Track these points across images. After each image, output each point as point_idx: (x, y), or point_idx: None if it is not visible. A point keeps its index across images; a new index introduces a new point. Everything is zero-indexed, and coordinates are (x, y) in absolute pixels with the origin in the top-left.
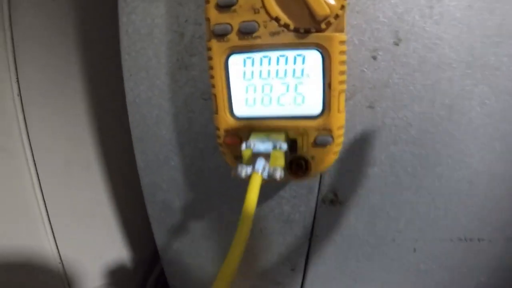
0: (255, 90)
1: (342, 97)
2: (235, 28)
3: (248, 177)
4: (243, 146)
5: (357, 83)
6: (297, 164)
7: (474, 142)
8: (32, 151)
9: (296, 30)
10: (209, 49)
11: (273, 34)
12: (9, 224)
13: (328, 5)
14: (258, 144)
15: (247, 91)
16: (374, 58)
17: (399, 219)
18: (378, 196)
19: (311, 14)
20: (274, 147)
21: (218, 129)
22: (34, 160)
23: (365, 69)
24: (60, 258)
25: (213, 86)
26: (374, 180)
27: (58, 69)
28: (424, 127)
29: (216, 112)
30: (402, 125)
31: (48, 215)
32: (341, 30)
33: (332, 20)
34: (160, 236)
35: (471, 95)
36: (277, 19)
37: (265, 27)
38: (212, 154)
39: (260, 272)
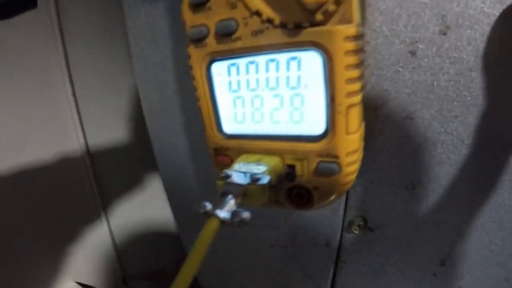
0: (243, 104)
1: (354, 114)
2: (212, 29)
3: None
4: (222, 173)
5: (390, 87)
6: (296, 194)
7: None
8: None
9: (283, 25)
10: (189, 56)
11: (256, 33)
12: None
13: None
14: (236, 174)
15: (235, 105)
16: (413, 53)
17: (443, 250)
18: (416, 221)
19: (299, 2)
20: (253, 181)
21: (208, 146)
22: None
23: (400, 69)
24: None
25: (197, 99)
26: (411, 203)
27: None
28: (482, 144)
29: (204, 130)
30: (451, 141)
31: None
32: (348, 21)
33: (331, 7)
34: (186, 239)
35: None
36: (258, 13)
37: (246, 25)
38: None
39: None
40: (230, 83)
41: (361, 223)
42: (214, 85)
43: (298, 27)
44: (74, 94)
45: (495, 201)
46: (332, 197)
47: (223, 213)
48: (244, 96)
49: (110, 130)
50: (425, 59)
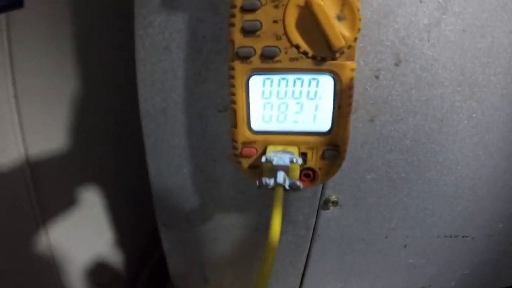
0: (272, 108)
1: (349, 117)
2: (258, 51)
3: (272, 188)
4: (263, 159)
5: (360, 100)
6: (305, 174)
7: (460, 150)
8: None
9: (313, 58)
10: (232, 68)
11: (293, 59)
12: None
13: (344, 37)
14: (277, 158)
15: (264, 109)
16: (377, 77)
17: (392, 219)
18: (374, 198)
19: (328, 44)
20: (291, 161)
21: (235, 141)
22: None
23: (368, 87)
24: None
25: (234, 102)
26: (371, 184)
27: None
28: (417, 138)
29: (235, 126)
30: (398, 136)
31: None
32: (352, 59)
33: (345, 50)
34: (168, 241)
35: (460, 110)
36: (297, 47)
37: (286, 52)
38: (224, 164)
39: None
40: (263, 92)
41: (335, 200)
42: (249, 92)
43: (323, 59)
44: (16, 96)
45: (429, 175)
46: (331, 175)
47: (285, 182)
48: (273, 102)
49: (52, 138)
50: (384, 81)
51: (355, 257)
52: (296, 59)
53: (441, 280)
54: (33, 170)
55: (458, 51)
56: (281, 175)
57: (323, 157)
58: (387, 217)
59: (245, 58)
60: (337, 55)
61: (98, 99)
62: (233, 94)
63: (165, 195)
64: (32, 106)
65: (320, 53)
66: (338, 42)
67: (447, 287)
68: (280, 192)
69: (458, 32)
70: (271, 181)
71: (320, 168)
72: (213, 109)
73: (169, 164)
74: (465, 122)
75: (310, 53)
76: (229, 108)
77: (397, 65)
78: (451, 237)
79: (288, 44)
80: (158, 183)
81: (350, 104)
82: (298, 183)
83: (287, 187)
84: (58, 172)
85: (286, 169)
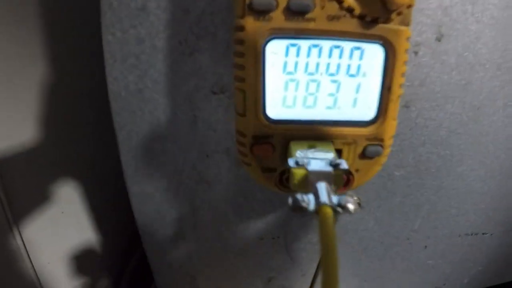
0: (297, 88)
1: (398, 102)
2: (282, 4)
3: (316, 210)
4: (291, 162)
5: None
6: None
7: (493, 143)
8: None
9: (361, 17)
10: (241, 28)
11: (331, 18)
12: None
13: None
14: (313, 161)
15: (286, 88)
16: (416, 53)
17: (416, 219)
18: (400, 198)
19: (384, 1)
20: (335, 166)
21: (243, 134)
22: None
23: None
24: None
25: (242, 79)
26: (398, 182)
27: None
28: (453, 128)
29: (243, 113)
30: (434, 125)
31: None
32: (407, 24)
33: (404, 10)
34: (152, 252)
35: (497, 97)
36: (339, 0)
37: (323, 7)
38: (220, 160)
39: (268, 278)
40: (285, 64)
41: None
42: (266, 64)
43: (373, 21)
44: None
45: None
46: (369, 178)
47: (332, 200)
48: (299, 79)
49: (19, 131)
50: (424, 59)
51: (371, 262)
52: (336, 18)
53: (455, 278)
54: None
55: (500, 30)
56: (323, 189)
57: (362, 155)
58: (411, 218)
59: (262, 13)
60: (393, 15)
61: (71, 84)
62: (241, 66)
63: (144, 199)
64: None
65: (370, 11)
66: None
67: (460, 285)
68: (329, 216)
69: (502, 8)
70: (310, 199)
71: (357, 170)
72: (206, 91)
73: (148, 162)
74: (500, 111)
75: (358, 9)
76: (234, 87)
77: (438, 40)
78: (471, 235)
79: None
80: (135, 185)
81: (401, 86)
82: (352, 200)
83: (336, 208)
84: (28, 167)
85: (327, 178)
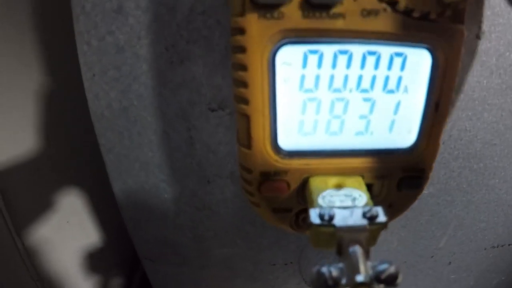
0: (318, 109)
1: (445, 124)
2: None
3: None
4: (313, 216)
5: None
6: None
7: None
8: None
9: (406, 12)
10: (240, 31)
11: (368, 13)
12: None
13: None
14: (341, 213)
15: (304, 111)
16: None
17: (442, 237)
18: (427, 216)
19: None
20: (370, 218)
21: (249, 170)
22: None
23: None
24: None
25: (245, 101)
26: (426, 201)
27: None
28: (488, 139)
29: (247, 145)
30: (468, 137)
31: None
32: (462, 21)
33: (461, 5)
34: (154, 276)
35: None
36: None
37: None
38: (224, 185)
39: None
40: (303, 78)
41: None
42: (276, 78)
43: (423, 18)
44: None
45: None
46: (404, 211)
47: (364, 276)
48: (321, 98)
49: (19, 140)
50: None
51: None
52: (374, 12)
53: None
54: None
55: None
56: (359, 260)
57: (398, 188)
58: (437, 236)
59: (269, 8)
60: (448, 11)
61: (70, 90)
62: (243, 83)
63: (142, 226)
64: None
65: (419, 4)
66: None
67: None
68: None
69: None
70: (340, 275)
71: (390, 205)
72: (202, 107)
73: (142, 187)
74: None
75: (402, 2)
76: (235, 109)
77: (478, 37)
78: (497, 247)
79: None
80: (130, 211)
81: (450, 100)
82: (393, 267)
83: (375, 286)
84: (29, 177)
85: (360, 234)
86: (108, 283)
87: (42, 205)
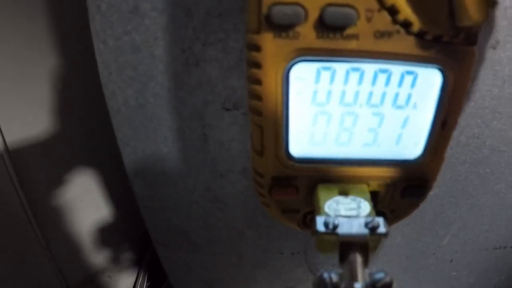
0: (329, 122)
1: (451, 139)
2: (313, 14)
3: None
4: (319, 224)
5: None
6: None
7: None
8: None
9: (419, 34)
10: (256, 48)
11: (381, 35)
12: None
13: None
14: (345, 222)
15: (315, 123)
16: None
17: (445, 236)
18: (431, 216)
19: (453, 15)
20: (372, 228)
21: (261, 175)
22: None
23: None
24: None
25: (258, 112)
26: (431, 201)
27: None
28: (496, 146)
29: (260, 152)
30: (476, 144)
31: None
32: (474, 43)
33: (474, 29)
34: (167, 261)
35: None
36: (392, 10)
37: (369, 20)
38: (237, 179)
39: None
40: (315, 93)
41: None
42: (290, 93)
43: (436, 40)
44: None
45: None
46: (405, 217)
47: (361, 284)
48: (332, 111)
49: (32, 122)
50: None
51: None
52: (387, 34)
53: (478, 287)
54: (14, 160)
55: None
56: (358, 268)
57: (401, 196)
58: (440, 234)
59: (285, 28)
60: (462, 34)
61: (85, 74)
62: (257, 97)
63: (156, 214)
64: (4, 88)
65: (433, 27)
66: (475, 13)
67: None
68: None
69: None
70: (339, 280)
71: (393, 211)
72: (217, 106)
73: (157, 180)
74: None
75: (417, 25)
76: (250, 119)
77: (493, 48)
78: (499, 248)
79: (374, 4)
80: (146, 202)
81: (457, 118)
82: (388, 277)
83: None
84: (43, 159)
85: (361, 242)
86: (120, 257)
87: (56, 184)
